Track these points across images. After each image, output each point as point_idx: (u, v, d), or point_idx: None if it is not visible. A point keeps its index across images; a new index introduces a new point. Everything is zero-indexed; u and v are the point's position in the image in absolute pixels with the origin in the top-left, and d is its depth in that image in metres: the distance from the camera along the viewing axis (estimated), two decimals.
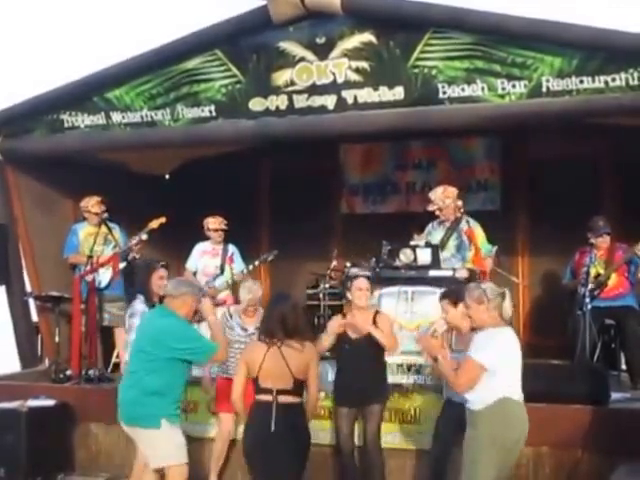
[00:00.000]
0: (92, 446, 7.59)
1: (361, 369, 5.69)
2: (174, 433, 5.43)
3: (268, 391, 5.02)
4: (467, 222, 7.44)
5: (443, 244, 7.46)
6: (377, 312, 6.33)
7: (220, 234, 8.45)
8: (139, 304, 6.62)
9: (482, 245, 7.37)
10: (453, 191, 7.55)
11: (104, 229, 8.29)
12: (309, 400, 5.21)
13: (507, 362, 5.01)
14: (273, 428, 4.94)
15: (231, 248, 8.48)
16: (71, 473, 7.47)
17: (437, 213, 7.53)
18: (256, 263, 8.32)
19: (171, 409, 5.41)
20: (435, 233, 7.60)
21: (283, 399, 5.01)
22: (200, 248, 8.55)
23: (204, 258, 8.48)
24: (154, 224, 8.11)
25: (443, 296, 5.78)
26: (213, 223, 8.44)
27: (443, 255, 7.41)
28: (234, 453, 6.92)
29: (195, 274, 8.45)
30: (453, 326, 5.69)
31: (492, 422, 4.93)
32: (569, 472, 6.04)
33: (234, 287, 8.05)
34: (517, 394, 5.03)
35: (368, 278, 6.42)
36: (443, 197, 7.48)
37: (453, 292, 5.76)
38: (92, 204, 8.32)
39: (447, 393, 5.93)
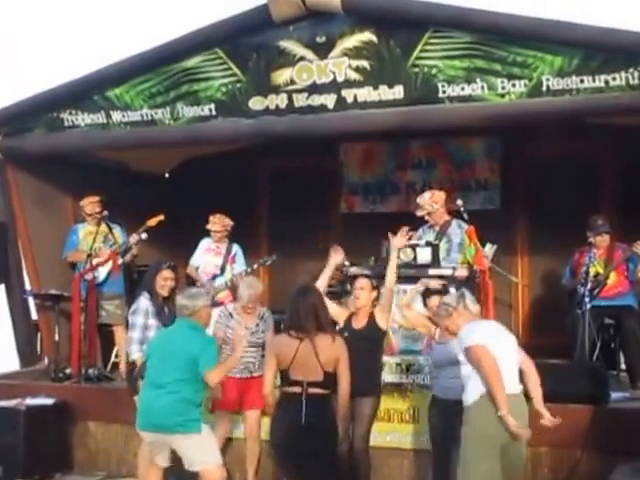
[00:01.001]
0: (91, 445, 7.60)
1: (356, 361, 5.63)
2: (210, 434, 5.62)
3: (298, 383, 5.02)
4: (459, 225, 7.44)
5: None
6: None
7: (220, 233, 8.41)
8: (143, 301, 6.61)
9: (472, 249, 7.32)
10: (441, 195, 7.57)
11: (104, 228, 8.30)
12: (340, 394, 5.14)
13: (491, 346, 5.00)
14: (304, 420, 4.93)
15: (234, 248, 8.41)
16: (69, 472, 7.48)
17: (426, 218, 7.53)
18: (255, 266, 8.26)
19: (200, 417, 5.56)
20: (425, 237, 7.60)
21: (313, 391, 5.00)
22: (204, 245, 8.48)
23: (207, 255, 8.41)
24: (152, 222, 8.10)
25: (424, 294, 6.05)
26: (214, 223, 8.36)
27: None
28: (230, 452, 6.94)
29: (197, 270, 8.42)
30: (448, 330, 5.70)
31: (480, 418, 4.95)
32: (568, 472, 6.05)
33: (233, 288, 8.02)
34: (511, 387, 5.02)
35: (369, 277, 6.40)
36: (431, 202, 7.51)
37: (430, 290, 5.99)
38: (91, 202, 8.33)
39: (433, 390, 6.00)
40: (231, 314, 6.72)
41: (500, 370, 4.95)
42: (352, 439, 6.08)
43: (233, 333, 6.20)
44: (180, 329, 5.70)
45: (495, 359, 4.96)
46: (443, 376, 5.80)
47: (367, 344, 6.01)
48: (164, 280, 6.66)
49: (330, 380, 5.07)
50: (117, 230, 8.47)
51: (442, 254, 7.40)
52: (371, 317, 6.16)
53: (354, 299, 6.23)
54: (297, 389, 5.01)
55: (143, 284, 6.86)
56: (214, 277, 8.26)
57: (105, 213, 8.35)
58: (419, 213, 7.55)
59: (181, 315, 5.70)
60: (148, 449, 5.83)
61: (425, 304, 6.15)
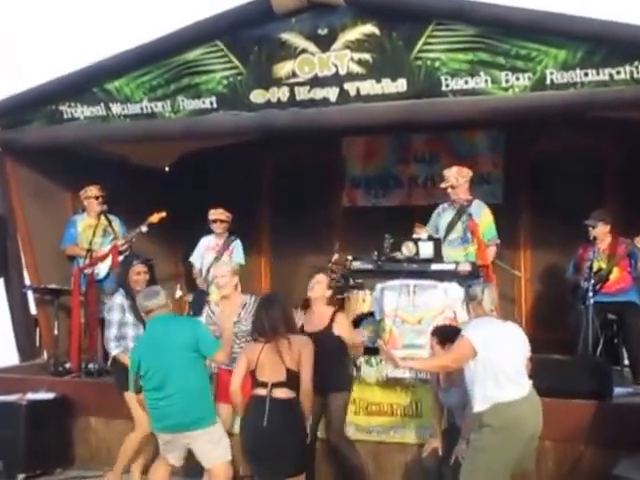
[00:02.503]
0: (92, 440, 7.58)
1: (321, 358, 5.61)
2: (222, 429, 5.63)
3: (264, 385, 5.13)
4: (479, 206, 7.42)
5: (452, 225, 7.41)
6: (336, 311, 6.39)
7: (220, 225, 8.36)
8: (118, 297, 6.63)
9: (488, 230, 7.33)
10: (468, 172, 7.50)
11: (103, 221, 8.27)
12: (302, 389, 5.22)
13: (496, 350, 5.00)
14: (265, 423, 5.02)
15: (234, 244, 8.39)
16: (70, 467, 7.46)
17: (449, 191, 7.45)
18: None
19: (212, 404, 5.62)
20: (445, 215, 7.54)
21: (278, 393, 5.11)
22: (204, 243, 8.47)
23: (208, 254, 8.39)
24: (154, 219, 8.07)
25: (432, 333, 5.82)
26: (213, 214, 8.35)
27: (451, 237, 7.39)
28: (233, 447, 6.90)
29: (200, 270, 8.38)
30: None
31: (494, 430, 4.95)
32: (572, 466, 6.04)
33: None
34: (518, 391, 5.00)
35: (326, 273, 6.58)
36: (457, 175, 7.41)
37: (442, 332, 5.77)
38: (91, 188, 8.29)
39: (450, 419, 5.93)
40: (213, 312, 6.54)
41: (449, 369, 5.18)
42: (328, 435, 6.20)
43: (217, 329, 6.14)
44: (161, 326, 5.61)
45: (459, 362, 5.04)
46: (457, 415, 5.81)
47: (330, 343, 6.06)
48: (137, 275, 6.67)
49: (295, 379, 5.19)
50: (116, 223, 8.43)
51: (459, 233, 7.38)
52: (331, 321, 6.23)
53: (308, 289, 6.34)
54: (262, 391, 5.15)
55: (117, 281, 6.88)
56: (208, 271, 8.19)
57: (105, 207, 8.30)
58: (443, 185, 7.47)
59: (151, 313, 5.64)
60: (161, 448, 5.77)
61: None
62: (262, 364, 5.15)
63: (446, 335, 5.64)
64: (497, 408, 4.96)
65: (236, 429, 6.81)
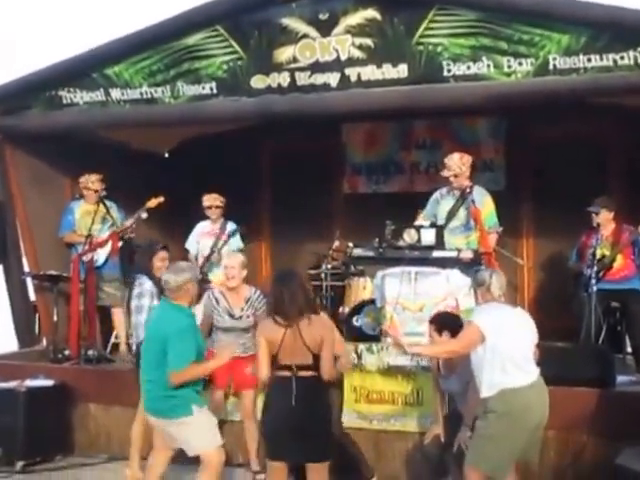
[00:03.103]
0: (91, 427, 7.56)
1: None
2: (206, 416, 5.46)
3: (287, 367, 4.97)
4: (480, 193, 7.35)
5: (453, 213, 7.34)
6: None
7: (214, 211, 8.29)
8: (148, 283, 6.52)
9: (489, 218, 7.27)
10: (469, 159, 7.41)
11: (102, 208, 8.22)
12: (322, 365, 5.02)
13: (504, 336, 4.97)
14: (294, 403, 4.88)
15: (229, 226, 8.32)
16: (70, 454, 7.44)
17: (451, 179, 7.37)
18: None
19: (195, 393, 5.41)
20: (444, 202, 7.47)
21: (302, 374, 4.95)
22: (199, 229, 8.42)
23: (203, 239, 8.34)
24: (152, 203, 8.03)
25: (430, 321, 5.75)
26: (207, 200, 8.29)
27: (452, 224, 7.31)
28: (230, 434, 6.89)
29: (196, 257, 8.33)
30: None
31: (501, 416, 4.94)
32: (574, 455, 6.01)
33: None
34: (525, 377, 4.98)
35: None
36: (460, 163, 7.32)
37: (440, 320, 5.72)
38: (92, 180, 8.23)
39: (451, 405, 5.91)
40: (217, 299, 6.58)
41: (459, 354, 5.09)
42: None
43: (218, 350, 6.07)
44: (160, 311, 5.58)
45: (468, 347, 5.00)
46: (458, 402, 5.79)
47: None
48: (161, 261, 6.57)
49: (317, 361, 5.02)
50: (114, 209, 8.39)
51: (461, 220, 7.31)
52: None
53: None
54: (287, 373, 4.98)
55: (140, 267, 6.77)
56: (208, 258, 8.15)
57: (103, 193, 8.26)
58: (445, 174, 7.37)
59: (165, 292, 5.54)
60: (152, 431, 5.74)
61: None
62: (284, 347, 4.97)
63: (444, 323, 5.61)
64: (503, 394, 4.95)
65: (234, 416, 6.88)
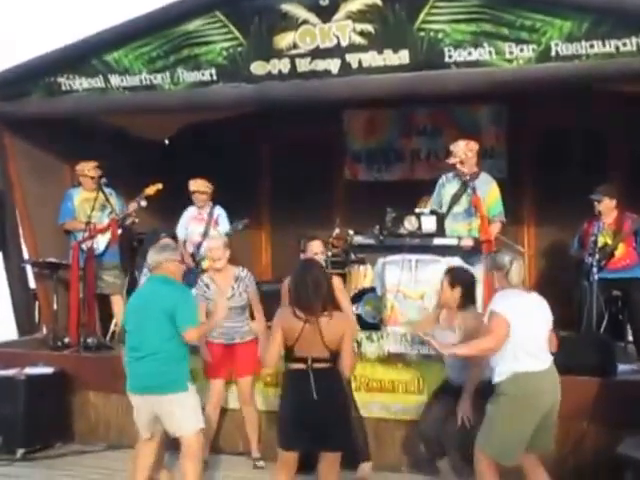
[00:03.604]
0: (91, 415, 7.55)
1: None
2: (195, 397, 5.46)
3: (302, 360, 4.90)
4: (487, 180, 7.30)
5: (456, 198, 7.29)
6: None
7: (199, 197, 8.18)
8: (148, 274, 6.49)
9: (495, 206, 7.22)
10: (475, 145, 7.36)
11: (100, 195, 8.18)
12: (344, 362, 4.94)
13: (521, 321, 4.96)
14: (315, 395, 4.81)
15: (217, 211, 8.23)
16: (70, 442, 7.43)
17: (458, 166, 7.29)
18: (228, 231, 7.95)
19: (188, 371, 5.46)
20: (449, 186, 7.40)
21: (317, 366, 4.88)
22: (187, 214, 8.33)
23: (192, 224, 8.26)
24: (150, 190, 8.00)
25: (446, 272, 5.84)
26: (192, 185, 8.19)
27: (455, 210, 7.27)
28: (230, 422, 6.88)
29: (185, 242, 8.27)
30: (445, 305, 5.83)
31: (513, 395, 4.94)
32: (575, 444, 5.98)
33: None
34: (540, 363, 4.99)
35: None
36: (466, 150, 7.25)
37: (455, 274, 5.80)
38: (89, 168, 8.19)
39: (447, 373, 5.95)
40: (208, 285, 6.59)
41: (496, 350, 4.97)
42: None
43: (213, 305, 6.08)
44: (152, 286, 5.57)
45: (503, 340, 4.93)
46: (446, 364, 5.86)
47: None
48: None
49: (333, 356, 4.95)
50: (113, 197, 8.35)
51: (464, 206, 7.25)
52: None
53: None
54: (302, 365, 4.89)
55: (145, 256, 6.72)
56: (199, 245, 8.10)
57: (103, 180, 8.22)
58: (451, 160, 7.30)
59: (151, 271, 5.59)
60: (134, 416, 5.66)
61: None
62: (301, 341, 4.87)
63: (458, 278, 5.73)
64: (515, 377, 4.95)
65: (233, 405, 6.86)
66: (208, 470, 6.51)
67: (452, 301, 5.75)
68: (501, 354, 4.99)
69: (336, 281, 6.16)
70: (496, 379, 5.04)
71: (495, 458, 5.04)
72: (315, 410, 4.81)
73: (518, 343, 4.96)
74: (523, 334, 4.97)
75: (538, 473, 5.19)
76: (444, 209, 7.31)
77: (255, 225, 9.76)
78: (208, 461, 6.63)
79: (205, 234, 8.06)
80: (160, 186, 8.00)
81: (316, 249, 6.40)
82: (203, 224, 8.18)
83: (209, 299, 6.51)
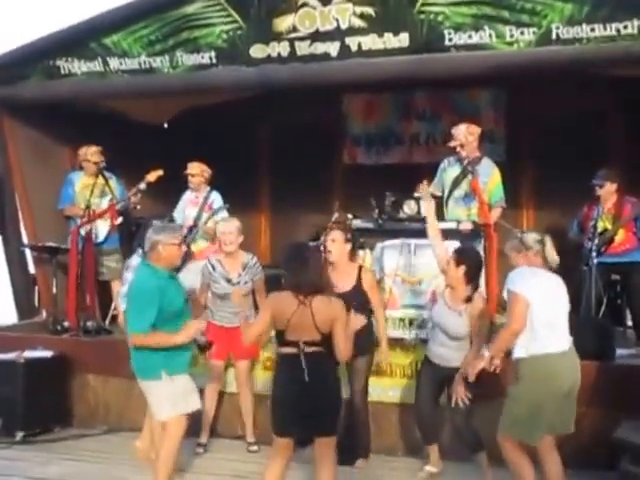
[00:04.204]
0: (90, 398, 7.55)
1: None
2: (174, 384, 5.35)
3: (294, 343, 4.89)
4: (488, 165, 7.26)
5: (457, 182, 7.26)
6: (361, 267, 6.17)
7: (193, 180, 8.07)
8: (135, 258, 6.54)
9: (496, 191, 7.19)
10: (476, 129, 7.33)
11: (101, 180, 8.16)
12: (338, 355, 4.94)
13: (539, 301, 4.94)
14: (307, 378, 4.81)
15: (213, 196, 8.14)
16: (69, 425, 7.43)
17: (458, 149, 7.27)
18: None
19: (171, 359, 5.32)
20: (450, 170, 7.37)
21: (309, 349, 4.87)
22: (185, 197, 8.27)
23: (188, 208, 8.19)
24: (151, 177, 7.94)
25: (454, 251, 5.80)
26: (188, 167, 8.10)
27: (457, 193, 7.24)
28: (226, 403, 6.89)
29: (181, 226, 8.23)
30: (449, 284, 5.76)
31: (529, 377, 4.95)
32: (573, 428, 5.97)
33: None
34: (560, 344, 4.99)
35: (343, 230, 6.27)
36: (467, 133, 7.22)
37: (462, 252, 5.77)
38: (91, 152, 8.16)
39: (426, 351, 5.95)
40: (214, 266, 6.61)
41: (521, 331, 4.93)
42: (351, 395, 6.06)
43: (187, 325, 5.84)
44: (136, 271, 5.60)
45: (525, 320, 4.91)
46: (434, 339, 5.82)
47: (356, 304, 5.66)
48: None
49: (325, 341, 4.93)
50: (113, 181, 8.33)
51: (465, 189, 7.23)
52: (358, 278, 6.02)
53: (327, 253, 6.03)
54: (293, 349, 4.89)
55: (139, 240, 6.73)
56: (191, 230, 8.06)
57: (102, 164, 8.19)
58: (452, 144, 7.28)
59: (147, 252, 5.50)
60: None
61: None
62: (293, 324, 4.86)
63: (464, 256, 5.70)
64: (535, 359, 4.94)
65: (229, 387, 6.87)
66: (204, 454, 6.58)
67: (456, 280, 5.67)
68: (521, 335, 4.98)
69: (368, 277, 6.12)
70: (516, 360, 5.03)
71: (521, 439, 5.03)
72: (306, 393, 4.81)
73: (537, 323, 4.94)
74: (542, 314, 4.95)
75: (552, 457, 5.16)
76: (445, 193, 7.30)
77: (254, 209, 9.75)
78: (207, 445, 6.68)
79: (198, 218, 8.00)
80: (161, 172, 7.93)
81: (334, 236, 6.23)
82: (197, 208, 8.13)
83: (213, 281, 6.54)
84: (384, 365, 6.41)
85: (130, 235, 8.47)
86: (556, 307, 5.06)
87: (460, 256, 5.69)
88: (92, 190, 8.05)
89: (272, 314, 4.93)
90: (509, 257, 5.26)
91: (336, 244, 6.10)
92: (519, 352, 4.99)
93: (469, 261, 5.67)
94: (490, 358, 5.20)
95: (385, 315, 6.32)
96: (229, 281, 6.54)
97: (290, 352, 4.90)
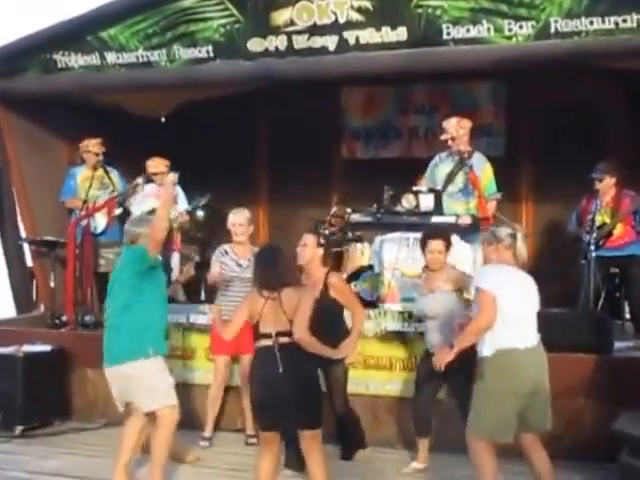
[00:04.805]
0: (89, 392, 7.54)
1: (319, 332, 5.14)
2: (164, 368, 5.37)
3: (268, 335, 4.96)
4: (481, 159, 7.25)
5: (451, 177, 7.24)
6: (328, 273, 6.02)
7: (160, 178, 7.85)
8: None
9: (489, 185, 7.19)
10: (467, 122, 7.29)
11: (101, 172, 8.15)
12: (294, 325, 4.94)
13: (507, 297, 4.90)
14: (281, 370, 4.85)
15: (175, 190, 8.12)
16: (68, 419, 7.44)
17: (449, 143, 7.26)
18: (189, 208, 7.95)
19: (157, 340, 5.35)
20: (442, 165, 7.36)
21: (284, 340, 4.93)
22: (146, 190, 8.06)
23: (148, 200, 7.94)
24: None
25: (434, 236, 5.93)
26: (154, 167, 8.00)
27: (451, 189, 7.22)
28: (231, 398, 6.89)
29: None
30: (431, 267, 5.91)
31: (495, 374, 4.88)
32: (571, 421, 5.99)
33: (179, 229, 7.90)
34: (528, 340, 4.95)
35: (317, 234, 6.28)
36: (457, 127, 7.20)
37: (447, 236, 5.96)
38: (93, 144, 8.16)
39: (426, 344, 5.97)
40: (226, 251, 6.76)
41: (489, 327, 4.89)
42: (334, 408, 6.01)
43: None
44: (120, 259, 5.61)
45: (494, 316, 4.87)
46: (428, 329, 5.88)
47: (326, 312, 5.62)
48: None
49: None
50: (114, 174, 8.32)
51: (459, 185, 7.22)
52: (324, 285, 5.90)
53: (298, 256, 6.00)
54: (268, 342, 4.95)
55: None
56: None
57: (102, 157, 8.19)
58: (443, 137, 7.27)
59: (125, 243, 5.55)
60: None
61: (423, 248, 5.99)
62: (265, 316, 4.97)
63: (448, 238, 5.93)
64: (499, 353, 4.89)
65: (234, 381, 6.87)
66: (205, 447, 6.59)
67: (442, 261, 5.86)
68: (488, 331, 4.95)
69: (333, 281, 5.97)
70: (480, 355, 4.99)
71: (488, 436, 4.96)
72: (281, 384, 4.83)
73: (503, 320, 4.90)
74: (509, 311, 4.90)
75: (539, 455, 5.12)
76: (439, 189, 7.29)
77: (253, 202, 9.72)
78: (212, 438, 6.68)
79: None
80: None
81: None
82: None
83: (224, 263, 6.68)
84: (356, 362, 6.34)
85: None
86: (524, 304, 5.01)
87: (448, 240, 5.89)
88: (91, 183, 8.04)
89: (249, 307, 5.07)
90: (481, 250, 5.24)
91: (307, 248, 6.02)
92: (483, 353, 4.96)
93: (449, 239, 5.88)
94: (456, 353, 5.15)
95: (364, 312, 6.21)
96: (239, 265, 6.65)
97: (264, 345, 4.97)
